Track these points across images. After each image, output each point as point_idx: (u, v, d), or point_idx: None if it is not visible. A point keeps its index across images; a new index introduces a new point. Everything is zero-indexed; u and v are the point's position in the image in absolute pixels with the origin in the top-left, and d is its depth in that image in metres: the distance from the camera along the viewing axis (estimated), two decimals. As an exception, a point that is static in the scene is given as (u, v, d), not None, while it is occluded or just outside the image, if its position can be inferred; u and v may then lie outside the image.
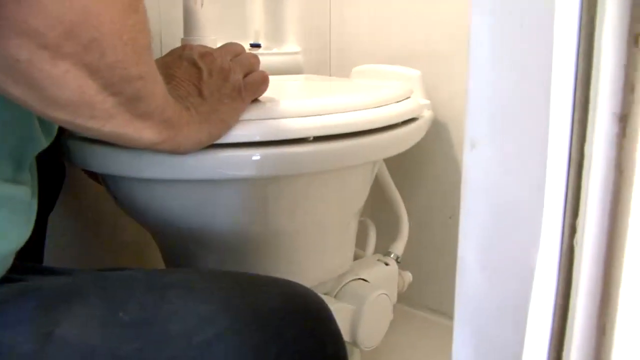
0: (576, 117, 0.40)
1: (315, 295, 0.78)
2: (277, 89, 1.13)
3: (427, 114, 1.21)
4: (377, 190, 1.38)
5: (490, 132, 0.42)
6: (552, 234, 0.42)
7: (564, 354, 0.44)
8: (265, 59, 1.40)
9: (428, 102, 1.29)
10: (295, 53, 1.60)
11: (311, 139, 0.87)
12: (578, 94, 0.40)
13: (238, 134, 0.84)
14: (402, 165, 1.51)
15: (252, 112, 0.86)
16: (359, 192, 1.08)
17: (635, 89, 0.38)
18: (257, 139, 0.85)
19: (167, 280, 0.72)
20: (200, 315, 0.67)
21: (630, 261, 0.41)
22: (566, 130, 0.40)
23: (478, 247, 0.44)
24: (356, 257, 1.28)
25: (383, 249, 1.36)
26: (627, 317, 0.42)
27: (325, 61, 1.66)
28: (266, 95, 0.90)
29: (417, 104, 1.13)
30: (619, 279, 0.41)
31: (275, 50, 1.61)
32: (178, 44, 1.10)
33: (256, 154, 0.85)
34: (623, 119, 0.39)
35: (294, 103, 0.93)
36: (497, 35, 0.41)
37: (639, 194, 0.39)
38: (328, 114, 0.91)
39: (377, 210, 1.46)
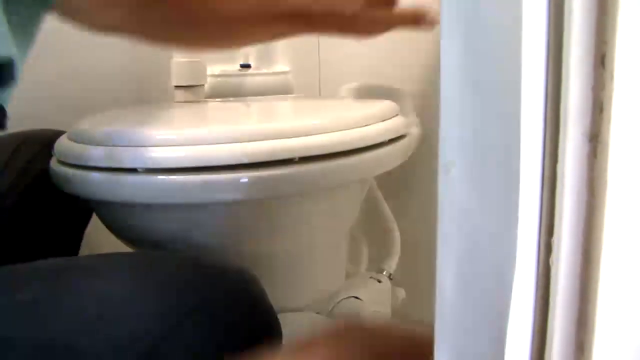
0: (547, 137, 0.41)
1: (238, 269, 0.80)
2: (263, 109, 1.14)
3: (415, 131, 1.22)
4: (369, 208, 1.38)
5: (462, 156, 0.43)
6: (528, 254, 0.42)
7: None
8: (255, 80, 1.41)
9: (417, 119, 1.29)
10: (285, 73, 1.61)
11: (297, 159, 0.88)
12: (549, 114, 0.40)
13: (223, 157, 0.84)
14: (393, 182, 1.51)
15: (236, 135, 0.87)
16: (348, 211, 1.09)
17: (604, 109, 0.38)
18: (243, 161, 0.85)
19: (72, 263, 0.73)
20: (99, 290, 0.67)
21: (606, 278, 0.41)
22: (538, 150, 0.41)
23: (455, 269, 0.44)
24: (348, 275, 1.28)
25: (375, 267, 1.36)
26: (605, 335, 0.43)
27: (314, 81, 1.66)
28: (252, 116, 0.91)
29: (404, 121, 1.13)
30: (595, 297, 0.41)
31: (264, 70, 1.61)
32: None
33: (243, 177, 0.85)
34: (593, 139, 0.39)
35: (279, 124, 0.93)
36: (467, 59, 0.42)
37: (612, 210, 0.40)
38: (313, 134, 0.91)
39: (369, 228, 1.46)
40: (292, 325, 1.02)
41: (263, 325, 0.79)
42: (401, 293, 1.36)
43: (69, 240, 1.05)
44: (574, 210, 0.41)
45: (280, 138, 0.88)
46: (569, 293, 0.42)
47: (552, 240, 0.42)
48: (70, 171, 0.92)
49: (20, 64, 0.66)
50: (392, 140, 1.05)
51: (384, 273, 1.32)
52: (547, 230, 0.42)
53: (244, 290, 0.78)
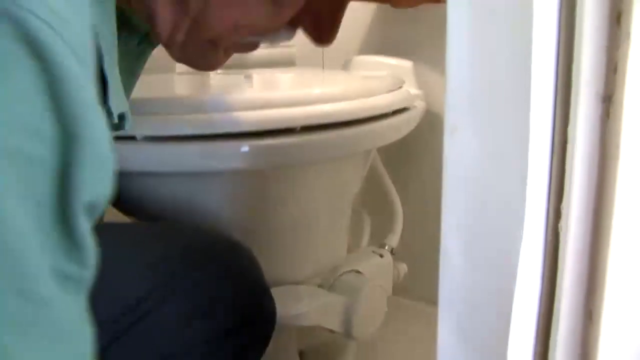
0: (559, 99, 0.39)
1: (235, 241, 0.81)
2: (266, 80, 1.12)
3: (419, 105, 1.20)
4: (371, 182, 1.37)
5: (470, 116, 0.41)
6: (536, 219, 0.41)
7: (551, 340, 0.43)
8: (258, 53, 1.40)
9: (420, 92, 1.28)
10: (288, 46, 1.59)
11: (298, 129, 0.86)
12: (560, 75, 0.39)
13: (224, 125, 0.83)
14: (396, 157, 1.50)
15: (237, 103, 0.85)
16: (350, 184, 1.07)
17: (619, 70, 0.37)
18: (244, 129, 0.84)
19: None
20: None
21: (617, 245, 0.40)
22: (549, 113, 0.39)
23: (461, 233, 0.43)
24: (350, 250, 1.27)
25: (378, 241, 1.35)
26: (615, 303, 0.41)
27: (318, 54, 1.65)
28: (254, 86, 0.89)
29: (408, 94, 1.12)
30: (605, 264, 0.40)
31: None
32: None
33: (244, 146, 0.84)
34: (606, 100, 0.38)
35: (281, 93, 0.92)
36: (476, 17, 0.40)
37: (625, 176, 0.39)
38: (315, 104, 0.90)
39: (372, 202, 1.44)
40: (292, 298, 1.01)
41: (254, 299, 0.78)
42: (403, 268, 1.35)
43: None
44: (584, 175, 0.39)
45: (281, 107, 0.87)
46: (578, 260, 0.41)
47: (562, 206, 0.41)
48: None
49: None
50: (395, 112, 1.03)
51: (386, 248, 1.30)
52: (557, 196, 0.41)
53: (237, 263, 0.78)
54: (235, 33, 0.55)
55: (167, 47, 0.56)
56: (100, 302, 0.67)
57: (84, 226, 0.41)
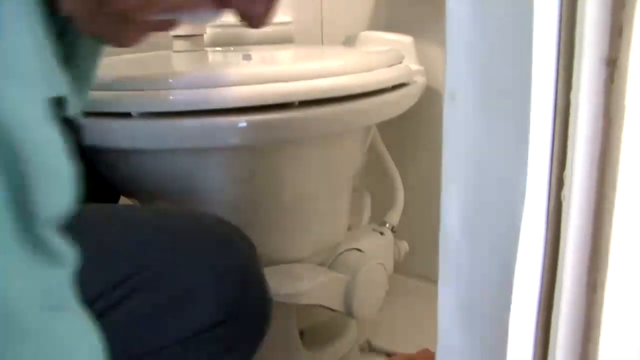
0: (561, 63, 0.38)
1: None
2: (264, 56, 1.11)
3: (420, 80, 1.19)
4: (372, 160, 1.36)
5: (470, 81, 0.40)
6: (538, 188, 0.39)
7: (554, 313, 0.42)
8: (255, 30, 1.38)
9: (421, 68, 1.26)
10: (286, 23, 1.57)
11: (296, 103, 0.85)
12: (563, 38, 0.38)
13: (221, 100, 0.82)
14: (397, 134, 1.49)
15: (234, 78, 0.84)
16: (350, 160, 1.06)
17: (623, 32, 0.36)
18: (241, 104, 0.83)
19: None
20: None
21: (621, 214, 0.38)
22: (551, 77, 0.38)
23: (461, 204, 0.42)
24: (350, 227, 1.26)
25: (378, 219, 1.34)
26: (619, 273, 0.40)
27: (317, 32, 1.63)
28: (252, 60, 0.88)
29: (408, 69, 1.10)
30: (609, 233, 0.39)
31: (265, 20, 1.58)
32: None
33: (241, 121, 0.83)
34: (611, 64, 0.36)
35: (279, 68, 0.90)
36: (476, -23, 0.39)
37: (629, 142, 0.37)
38: (313, 78, 0.88)
39: (372, 180, 1.43)
40: (291, 276, 1.01)
41: (244, 292, 0.76)
42: (404, 246, 1.34)
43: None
44: (588, 141, 0.38)
45: (279, 81, 0.85)
46: (581, 230, 0.40)
47: (564, 173, 0.39)
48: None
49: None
50: (395, 87, 1.02)
51: (387, 226, 1.30)
52: (559, 163, 0.40)
53: (227, 253, 0.75)
54: (146, 8, 0.52)
55: (72, 18, 0.53)
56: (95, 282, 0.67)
57: (53, 238, 0.40)
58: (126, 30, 0.55)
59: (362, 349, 1.32)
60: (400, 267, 1.40)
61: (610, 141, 0.38)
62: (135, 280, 0.69)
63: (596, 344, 0.41)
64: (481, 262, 0.42)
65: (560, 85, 0.38)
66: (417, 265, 1.51)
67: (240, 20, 0.55)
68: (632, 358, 0.44)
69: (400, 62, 1.09)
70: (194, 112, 0.83)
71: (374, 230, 1.27)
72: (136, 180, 0.93)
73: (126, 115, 0.84)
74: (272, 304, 0.80)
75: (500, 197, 0.40)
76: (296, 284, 0.98)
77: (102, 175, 0.98)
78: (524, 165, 0.38)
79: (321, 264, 1.13)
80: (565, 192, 0.39)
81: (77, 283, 0.64)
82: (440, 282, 0.44)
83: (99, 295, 0.67)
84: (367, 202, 1.35)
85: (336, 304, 1.09)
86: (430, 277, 1.55)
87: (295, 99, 0.85)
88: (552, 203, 0.40)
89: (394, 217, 1.33)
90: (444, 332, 0.46)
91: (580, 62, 0.36)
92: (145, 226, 0.75)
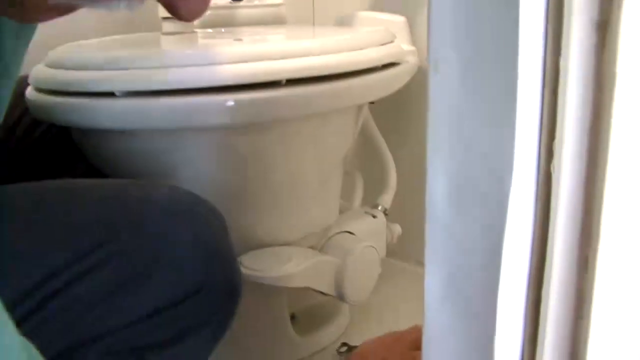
0: (550, 27, 0.36)
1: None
2: (253, 35, 1.09)
3: (412, 60, 1.17)
4: (364, 142, 1.34)
5: (454, 49, 0.38)
6: (526, 159, 0.38)
7: (544, 289, 0.41)
8: (246, 12, 1.36)
9: (414, 49, 1.24)
10: (278, 5, 1.55)
11: (284, 82, 0.84)
12: (551, 1, 0.36)
13: (208, 78, 0.80)
14: (389, 116, 1.47)
15: (222, 56, 0.82)
16: (341, 141, 1.05)
17: (615, -7, 0.34)
18: (229, 83, 0.81)
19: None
20: None
21: (614, 186, 0.37)
22: (539, 42, 0.36)
23: (446, 177, 0.40)
24: (343, 211, 1.24)
25: (370, 202, 1.32)
26: (611, 249, 0.39)
27: (308, 13, 1.61)
28: (241, 39, 0.87)
29: (399, 48, 1.09)
30: (601, 206, 0.37)
31: (256, 2, 1.56)
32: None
33: (228, 100, 0.81)
34: (602, 27, 0.35)
35: (266, 45, 0.89)
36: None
37: (621, 109, 0.36)
38: (301, 56, 0.87)
39: (364, 163, 1.42)
40: (280, 259, 0.99)
41: (208, 269, 0.74)
42: (397, 229, 1.32)
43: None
44: (578, 109, 0.36)
45: (267, 60, 0.84)
46: (572, 203, 0.38)
47: (554, 143, 0.38)
48: (47, 98, 0.88)
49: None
50: (385, 67, 1.00)
51: (379, 208, 1.28)
52: (549, 133, 0.38)
53: (190, 227, 0.73)
54: None
55: None
56: (14, 272, 0.65)
57: None
58: (18, 11, 0.52)
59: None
60: (394, 251, 1.38)
61: (602, 109, 0.36)
62: (101, 252, 0.68)
63: (588, 320, 0.40)
64: (468, 237, 0.40)
65: (548, 51, 0.37)
66: (411, 249, 1.49)
67: (168, 9, 0.52)
68: (624, 335, 0.42)
69: (392, 42, 1.08)
70: (179, 90, 0.82)
71: (366, 213, 1.26)
72: (121, 161, 0.92)
73: (110, 94, 0.83)
74: (241, 277, 0.78)
75: (487, 169, 0.38)
76: (285, 266, 0.97)
77: (88, 157, 0.96)
78: (511, 135, 0.37)
79: (312, 247, 1.11)
80: (555, 163, 0.38)
81: (42, 255, 0.62)
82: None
83: (65, 267, 0.66)
84: (359, 184, 1.34)
85: (327, 287, 1.07)
86: (424, 261, 1.54)
87: (283, 77, 0.84)
88: (541, 175, 0.39)
89: (387, 199, 1.32)
90: (430, 308, 0.44)
91: (569, 26, 0.35)
92: (111, 198, 0.73)
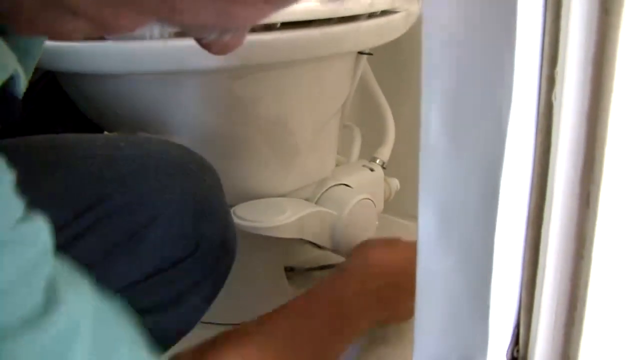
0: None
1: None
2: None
3: (413, 9, 1.14)
4: (362, 95, 1.32)
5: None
6: (527, 88, 0.36)
7: (543, 228, 0.39)
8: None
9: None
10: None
11: (278, 25, 0.81)
12: None
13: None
14: (388, 69, 1.45)
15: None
16: (336, 90, 1.02)
17: None
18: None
19: None
20: None
21: (618, 117, 0.35)
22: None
23: (442, 107, 0.38)
24: (339, 164, 1.22)
25: (368, 156, 1.30)
26: (614, 185, 0.37)
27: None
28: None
29: (397, -5, 1.06)
30: (604, 138, 0.35)
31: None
32: None
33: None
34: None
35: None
36: None
37: (628, 34, 0.33)
38: (297, -1, 0.84)
39: (362, 115, 1.40)
40: (274, 209, 0.97)
41: (209, 213, 0.73)
42: (395, 184, 1.30)
43: None
44: (582, 33, 0.34)
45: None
46: (574, 135, 0.36)
47: (556, 71, 0.36)
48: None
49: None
50: (384, 13, 0.98)
51: (377, 162, 1.26)
52: (550, 60, 0.36)
53: (184, 184, 0.72)
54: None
55: None
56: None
57: None
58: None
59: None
60: (392, 208, 1.37)
61: (608, 33, 0.34)
62: (94, 213, 0.67)
63: (589, 260, 0.38)
64: (464, 173, 0.38)
65: (552, -30, 0.34)
66: (409, 206, 1.47)
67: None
68: (626, 276, 0.40)
69: (390, -11, 1.05)
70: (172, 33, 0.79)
71: (363, 166, 1.24)
72: (109, 109, 0.89)
73: (99, 38, 0.80)
74: (235, 235, 0.78)
75: (485, 99, 0.36)
76: (279, 217, 0.95)
77: (78, 105, 0.94)
78: (510, 62, 0.34)
79: (308, 199, 1.09)
80: (556, 92, 0.36)
81: None
82: (420, 193, 0.41)
83: (60, 228, 0.64)
84: (357, 137, 1.31)
85: (322, 240, 1.06)
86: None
87: (278, 20, 0.81)
88: (542, 105, 0.37)
89: (385, 153, 1.29)
90: (424, 249, 0.42)
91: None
92: (102, 156, 0.71)
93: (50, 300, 0.38)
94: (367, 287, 0.82)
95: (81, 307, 0.41)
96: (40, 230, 0.39)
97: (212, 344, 0.65)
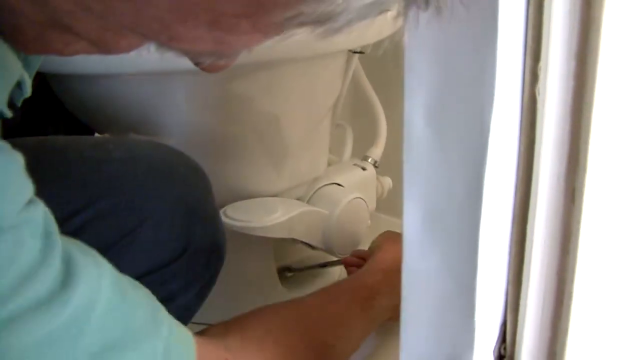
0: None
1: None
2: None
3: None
4: (355, 94, 1.32)
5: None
6: (510, 82, 0.35)
7: (529, 224, 0.38)
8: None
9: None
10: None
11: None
12: None
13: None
14: (382, 69, 1.44)
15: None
16: (328, 89, 1.02)
17: None
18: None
19: None
20: None
21: (602, 111, 0.35)
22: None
23: (424, 102, 0.38)
24: (331, 164, 1.22)
25: (360, 155, 1.30)
26: (599, 179, 0.36)
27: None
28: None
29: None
30: (588, 132, 0.35)
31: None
32: None
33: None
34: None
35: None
36: None
37: (611, 27, 0.33)
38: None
39: (354, 115, 1.39)
40: (265, 209, 0.97)
41: (199, 215, 0.73)
42: (387, 182, 1.30)
43: None
44: (565, 28, 0.34)
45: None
46: (558, 129, 0.36)
47: (539, 66, 0.35)
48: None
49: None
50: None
51: (369, 161, 1.25)
52: (533, 54, 0.36)
53: (180, 178, 0.72)
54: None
55: None
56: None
57: None
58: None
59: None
60: (384, 206, 1.36)
61: (590, 27, 0.34)
62: (83, 216, 0.67)
63: (574, 256, 0.38)
64: (448, 160, 0.38)
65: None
66: (401, 205, 1.47)
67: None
68: (611, 271, 0.40)
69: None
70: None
71: (355, 165, 1.23)
72: (99, 110, 0.89)
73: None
74: (224, 237, 0.77)
75: (467, 93, 0.36)
76: (270, 216, 0.95)
77: (68, 107, 0.94)
78: (492, 57, 0.34)
79: (299, 198, 1.09)
80: (539, 87, 0.35)
81: None
82: (405, 183, 0.40)
83: None
84: (349, 137, 1.31)
85: (314, 239, 1.05)
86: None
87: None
88: (525, 100, 0.36)
89: (377, 152, 1.29)
90: (409, 247, 0.42)
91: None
92: (92, 158, 0.71)
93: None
94: (391, 277, 0.83)
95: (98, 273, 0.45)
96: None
97: (238, 318, 0.67)
